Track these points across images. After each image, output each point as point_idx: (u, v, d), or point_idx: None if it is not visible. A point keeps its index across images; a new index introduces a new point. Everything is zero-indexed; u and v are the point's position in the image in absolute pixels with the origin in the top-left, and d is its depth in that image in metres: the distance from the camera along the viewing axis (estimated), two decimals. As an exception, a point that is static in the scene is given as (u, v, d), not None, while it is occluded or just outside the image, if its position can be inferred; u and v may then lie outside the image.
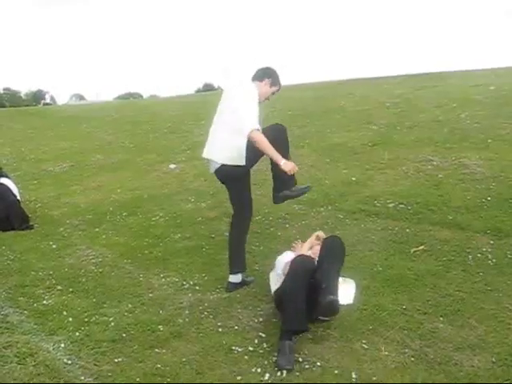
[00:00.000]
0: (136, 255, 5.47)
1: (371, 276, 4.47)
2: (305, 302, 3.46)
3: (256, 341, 3.58)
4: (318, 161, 8.28)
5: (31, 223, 6.85)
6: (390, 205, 6.04)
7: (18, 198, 7.02)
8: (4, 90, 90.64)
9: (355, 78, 17.73)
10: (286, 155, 4.21)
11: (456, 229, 5.26)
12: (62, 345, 3.62)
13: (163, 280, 4.77)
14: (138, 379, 3.16)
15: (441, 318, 3.72)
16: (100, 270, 5.11)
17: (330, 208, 6.27)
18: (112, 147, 12.07)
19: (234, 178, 4.42)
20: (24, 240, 6.21)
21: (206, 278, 4.77)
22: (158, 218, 6.69)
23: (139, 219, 6.74)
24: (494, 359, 3.20)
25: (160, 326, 3.84)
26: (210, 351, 3.47)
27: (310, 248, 4.36)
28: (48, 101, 53.51)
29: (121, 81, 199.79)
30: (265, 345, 3.52)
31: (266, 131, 4.15)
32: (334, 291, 3.53)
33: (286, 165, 4.05)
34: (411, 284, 4.27)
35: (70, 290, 4.66)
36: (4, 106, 48.13)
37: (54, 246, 5.91)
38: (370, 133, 9.35)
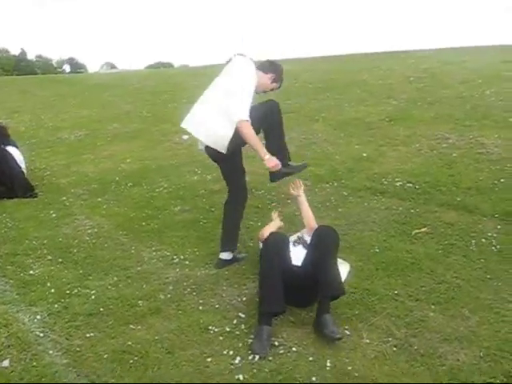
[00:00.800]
0: (132, 227, 5.36)
1: (367, 257, 4.28)
2: (281, 282, 3.32)
3: (235, 321, 3.44)
4: (332, 135, 8.02)
5: (36, 191, 6.80)
6: (398, 183, 5.80)
7: (23, 167, 6.96)
8: (36, 57, 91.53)
9: (383, 51, 17.24)
10: (278, 133, 4.15)
11: (463, 211, 5.01)
12: (38, 317, 3.55)
13: (154, 253, 4.66)
14: (105, 356, 3.06)
15: (432, 306, 3.53)
16: (93, 241, 5.02)
17: (335, 184, 6.06)
18: (129, 116, 11.97)
19: (220, 160, 4.27)
20: (25, 208, 6.16)
21: (197, 252, 4.63)
22: (161, 189, 6.57)
23: (143, 190, 6.63)
24: (481, 353, 3.00)
25: (140, 302, 3.73)
26: (186, 330, 3.35)
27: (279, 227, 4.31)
28: (68, 70, 53.02)
29: (153, 50, 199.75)
30: (243, 326, 3.38)
31: (258, 108, 3.96)
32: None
33: (269, 161, 3.87)
34: (407, 268, 4.07)
35: (60, 260, 4.58)
36: (35, 73, 48.57)
37: (53, 215, 5.85)
38: (389, 108, 9.03)
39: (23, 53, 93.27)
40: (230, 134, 3.91)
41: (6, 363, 3.00)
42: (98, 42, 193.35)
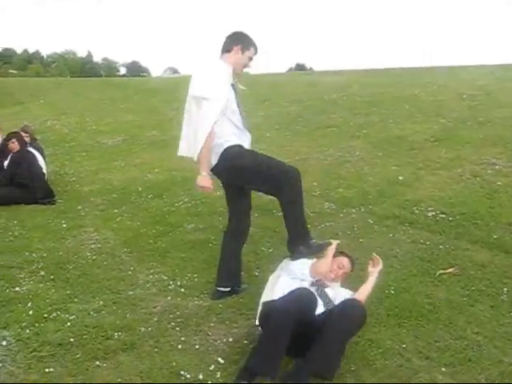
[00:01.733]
0: (139, 244, 5.08)
1: (379, 300, 3.79)
2: (285, 348, 2.81)
3: (211, 367, 3.06)
4: (370, 154, 7.55)
5: (55, 198, 6.66)
6: (430, 213, 5.28)
7: (44, 171, 6.83)
8: (102, 59, 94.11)
9: (439, 65, 16.50)
10: (299, 207, 3.83)
11: (499, 251, 4.46)
12: (4, 342, 3.28)
13: (151, 277, 4.35)
14: (54, 398, 2.72)
15: (443, 369, 3.02)
16: (93, 258, 4.76)
17: (362, 210, 5.59)
18: (171, 123, 11.74)
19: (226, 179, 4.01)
20: (38, 216, 6.00)
21: (196, 279, 4.29)
22: (180, 203, 6.27)
23: (161, 203, 6.36)
24: None
25: (117, 334, 3.40)
26: (155, 373, 3.00)
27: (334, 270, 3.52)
28: None
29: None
30: (218, 374, 2.99)
31: (270, 165, 3.76)
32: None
33: (201, 180, 3.65)
34: (423, 316, 3.57)
35: (51, 277, 4.33)
36: (100, 76, 49.72)
37: (63, 225, 5.66)
38: (435, 126, 8.48)
39: (89, 55, 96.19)
40: (218, 141, 3.62)
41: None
42: (164, 47, 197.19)
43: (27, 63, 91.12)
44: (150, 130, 11.17)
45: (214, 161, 3.70)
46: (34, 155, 6.78)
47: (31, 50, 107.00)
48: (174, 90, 17.88)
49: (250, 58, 3.83)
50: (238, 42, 3.74)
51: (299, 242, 3.70)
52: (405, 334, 3.36)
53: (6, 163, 6.73)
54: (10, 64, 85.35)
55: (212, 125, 3.51)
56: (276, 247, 4.86)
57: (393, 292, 3.91)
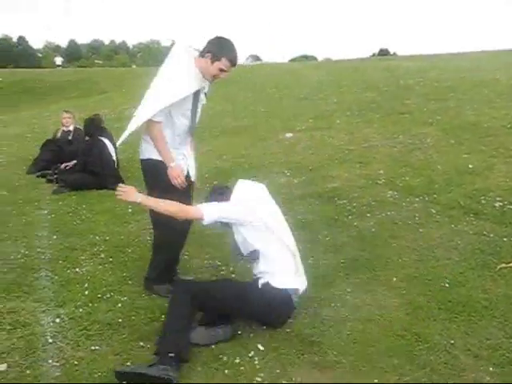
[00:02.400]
0: (196, 230, 5.11)
1: (432, 293, 3.67)
2: None
3: (251, 353, 3.08)
4: (441, 141, 7.30)
5: (124, 184, 6.87)
6: (498, 204, 5.04)
7: (114, 158, 7.08)
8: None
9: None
10: None
11: None
12: (58, 320, 3.44)
13: (205, 262, 4.48)
14: (97, 375, 2.85)
15: (491, 368, 2.86)
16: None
17: (426, 199, 5.42)
18: (243, 111, 11.91)
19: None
20: (106, 200, 6.22)
21: (249, 265, 4.28)
22: (244, 190, 6.30)
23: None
24: None
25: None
26: (193, 355, 3.03)
27: None
28: (58, 63, 52.75)
29: (298, 42, 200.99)
30: (256, 360, 3.01)
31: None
32: None
33: (172, 170, 3.54)
34: (476, 312, 3.41)
35: (110, 259, 4.49)
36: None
37: (129, 210, 5.84)
38: (514, 112, 8.03)
39: (173, 44, 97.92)
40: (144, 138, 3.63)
41: (3, 367, 2.90)
42: (246, 34, 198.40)
43: (114, 53, 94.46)
44: (223, 118, 11.29)
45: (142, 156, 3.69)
46: (104, 143, 7.04)
47: (118, 41, 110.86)
48: (249, 78, 18.03)
49: (221, 70, 3.52)
50: (211, 49, 3.50)
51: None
52: (455, 330, 3.23)
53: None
54: (98, 55, 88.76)
55: (148, 117, 3.43)
56: (333, 236, 4.81)
57: (447, 285, 3.77)
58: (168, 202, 3.23)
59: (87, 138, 7.17)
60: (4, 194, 6.63)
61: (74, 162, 7.27)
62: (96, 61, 67.95)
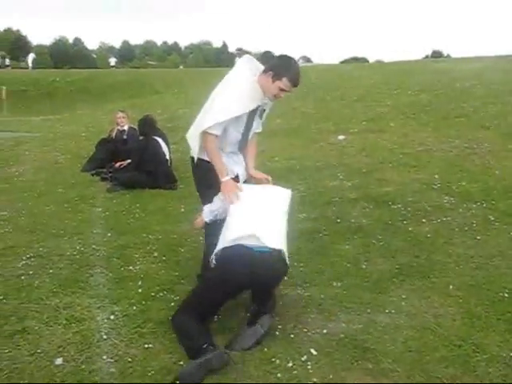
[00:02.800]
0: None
1: (491, 303, 3.55)
2: None
3: (304, 357, 3.04)
4: (499, 146, 7.12)
5: (177, 183, 6.96)
6: (560, 211, 4.84)
7: (168, 157, 7.16)
8: (237, 50, 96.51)
9: None
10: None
11: None
12: (112, 316, 3.48)
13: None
14: (150, 373, 2.86)
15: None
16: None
17: (484, 205, 5.27)
18: (295, 112, 11.84)
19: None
20: (159, 200, 6.30)
21: (301, 268, 4.28)
22: (295, 192, 6.21)
23: (278, 191, 6.38)
24: None
25: (216, 316, 3.47)
26: (246, 358, 3.02)
27: None
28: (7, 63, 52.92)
29: (349, 44, 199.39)
30: (309, 365, 2.97)
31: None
32: None
33: (226, 185, 3.43)
34: (538, 323, 3.28)
35: (164, 258, 4.52)
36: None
37: (182, 210, 5.89)
38: None
39: (225, 45, 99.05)
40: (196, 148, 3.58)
41: (58, 361, 2.96)
42: (297, 35, 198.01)
43: (166, 54, 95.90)
44: (274, 120, 11.22)
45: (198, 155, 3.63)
46: (158, 142, 7.13)
47: (170, 42, 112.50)
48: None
49: (282, 89, 3.48)
50: (274, 67, 3.45)
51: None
52: (516, 342, 3.12)
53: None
54: (151, 56, 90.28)
55: (205, 129, 3.40)
56: (387, 240, 4.72)
57: (506, 295, 3.64)
58: None
59: (141, 138, 7.29)
60: (60, 191, 6.79)
61: (129, 160, 7.39)
62: (149, 62, 69.20)
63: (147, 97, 20.73)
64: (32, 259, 4.45)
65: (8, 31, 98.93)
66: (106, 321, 3.42)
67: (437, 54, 61.40)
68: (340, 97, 12.93)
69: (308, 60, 78.67)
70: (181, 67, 57.47)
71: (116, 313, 3.52)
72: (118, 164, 7.57)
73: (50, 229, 5.25)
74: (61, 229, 5.25)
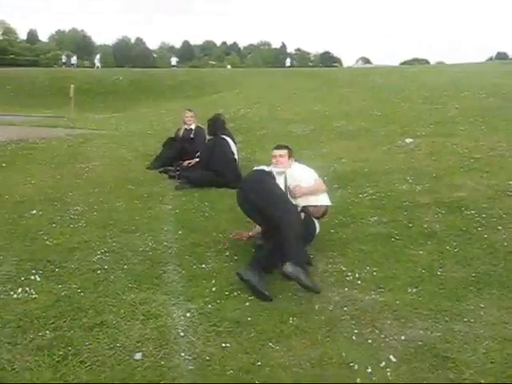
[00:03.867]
0: (320, 233, 5.06)
1: None
2: None
3: (382, 364, 2.96)
4: None
5: (244, 184, 6.96)
6: None
7: (236, 157, 7.18)
8: (295, 50, 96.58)
9: None
10: None
11: None
12: (188, 314, 3.50)
13: (329, 266, 4.35)
14: (229, 372, 2.85)
15: None
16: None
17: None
18: (359, 114, 11.72)
19: None
20: (228, 199, 6.27)
21: (375, 273, 4.19)
22: (365, 195, 6.18)
23: (346, 194, 6.32)
24: None
25: (291, 319, 3.46)
26: (324, 362, 2.99)
27: None
28: (64, 60, 52.75)
29: (408, 45, 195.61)
30: (388, 372, 2.89)
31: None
32: None
33: None
34: None
35: (235, 257, 4.52)
36: (293, 66, 50.92)
37: (250, 210, 5.85)
38: None
39: (283, 46, 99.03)
40: None
41: (138, 356, 2.99)
42: (357, 37, 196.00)
43: (225, 55, 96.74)
44: (338, 121, 11.17)
45: None
46: (226, 142, 7.16)
47: (229, 42, 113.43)
48: (362, 80, 17.76)
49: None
50: None
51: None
52: None
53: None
54: (210, 56, 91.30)
55: None
56: (462, 247, 4.58)
57: None
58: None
59: (210, 137, 7.33)
60: (130, 187, 6.91)
61: (197, 159, 7.45)
62: (210, 61, 70.10)
63: (208, 96, 20.91)
64: (106, 254, 4.52)
65: (73, 31, 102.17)
66: (182, 318, 3.43)
67: (502, 56, 59.53)
68: (406, 99, 12.72)
69: (367, 61, 77.70)
70: (228, 67, 57.49)
71: (191, 310, 3.54)
72: (186, 162, 7.64)
73: (121, 224, 5.33)
74: (132, 225, 5.32)
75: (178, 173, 7.40)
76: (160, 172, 7.83)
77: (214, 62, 72.07)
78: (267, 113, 13.40)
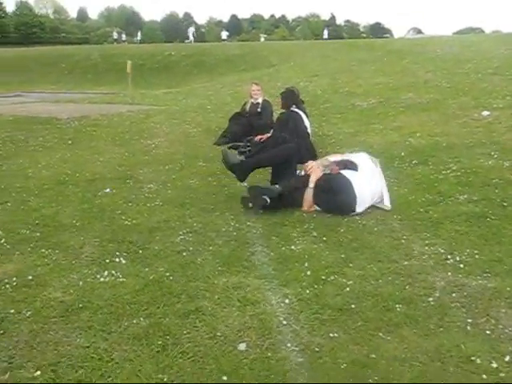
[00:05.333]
0: (409, 212, 4.82)
1: None
2: None
3: (507, 358, 2.68)
4: None
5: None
6: None
7: (309, 131, 6.92)
8: (345, 22, 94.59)
9: None
10: None
11: None
12: (287, 300, 3.28)
13: (426, 248, 4.06)
14: (343, 366, 2.64)
15: None
16: (363, 222, 4.63)
17: None
18: (426, 86, 11.23)
19: None
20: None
21: (477, 255, 3.88)
22: (448, 171, 5.84)
23: (428, 170, 5.99)
24: None
25: (398, 306, 3.20)
26: (442, 354, 2.73)
27: None
28: (115, 37, 52.01)
29: (463, 15, 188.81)
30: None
31: None
32: None
33: None
34: None
35: (324, 238, 4.28)
36: (342, 38, 49.77)
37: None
38: None
39: (332, 18, 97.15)
40: None
41: (242, 346, 2.80)
42: (408, 7, 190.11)
43: (274, 28, 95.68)
44: (405, 93, 10.72)
45: None
46: (299, 115, 6.89)
47: (277, 15, 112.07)
48: (422, 51, 17.09)
49: None
50: None
51: None
52: None
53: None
54: (258, 29, 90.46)
55: None
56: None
57: None
58: None
59: (283, 111, 7.08)
60: (201, 164, 6.76)
61: (269, 134, 7.23)
62: (261, 35, 69.38)
63: (263, 70, 20.60)
64: (189, 235, 4.37)
65: (122, 8, 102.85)
66: (281, 304, 3.23)
67: None
68: (474, 69, 12.12)
69: (419, 31, 75.18)
70: (262, 39, 55.66)
71: (289, 296, 3.33)
72: (258, 137, 7.41)
73: (199, 203, 5.18)
74: (210, 203, 5.16)
75: (248, 149, 7.18)
76: (229, 148, 7.63)
77: (266, 36, 71.24)
78: (328, 86, 13.03)
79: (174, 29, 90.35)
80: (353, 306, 3.20)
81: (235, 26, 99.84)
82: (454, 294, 3.34)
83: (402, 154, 6.65)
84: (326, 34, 50.29)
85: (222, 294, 3.36)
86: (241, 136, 7.75)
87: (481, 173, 5.67)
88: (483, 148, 6.51)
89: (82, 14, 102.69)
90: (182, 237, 4.33)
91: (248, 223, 4.63)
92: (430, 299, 3.28)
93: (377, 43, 24.29)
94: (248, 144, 7.28)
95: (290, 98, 6.98)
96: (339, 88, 12.46)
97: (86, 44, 48.47)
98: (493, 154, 6.23)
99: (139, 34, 55.31)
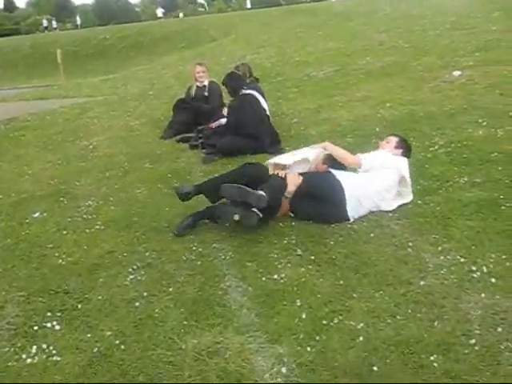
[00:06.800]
0: (405, 207, 3.97)
1: None
2: None
3: None
4: None
5: (282, 145, 5.79)
6: None
7: (268, 112, 5.95)
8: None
9: None
10: None
11: None
12: (284, 369, 2.40)
13: (441, 258, 3.22)
14: None
15: None
16: (354, 227, 3.77)
17: None
18: (383, 48, 10.43)
19: None
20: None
21: (507, 262, 3.07)
22: (436, 147, 5.03)
23: (414, 147, 5.14)
24: None
25: (433, 358, 2.37)
26: None
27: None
28: (45, 24, 51.06)
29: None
30: None
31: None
32: None
33: None
34: None
35: (312, 257, 3.39)
36: (279, 5, 48.42)
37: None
38: None
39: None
40: None
41: None
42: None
43: (210, 0, 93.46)
44: (361, 58, 9.86)
45: None
46: (254, 97, 5.87)
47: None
48: (368, 10, 16.33)
49: None
50: None
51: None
52: None
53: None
54: (194, 3, 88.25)
55: None
56: None
57: None
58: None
59: (233, 98, 6.06)
60: (147, 166, 5.75)
61: (222, 120, 6.24)
62: (200, 9, 67.10)
63: (204, 45, 19.49)
64: (141, 271, 3.42)
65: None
66: (278, 377, 2.34)
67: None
68: (430, 26, 11.42)
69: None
70: (181, 16, 51.98)
71: (285, 359, 2.45)
72: (213, 124, 6.40)
73: (150, 221, 4.21)
74: (163, 220, 4.19)
75: (200, 141, 6.18)
76: (178, 141, 6.62)
77: (202, 9, 69.03)
78: (277, 56, 12.10)
79: (107, 11, 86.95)
80: (375, 367, 2.34)
81: (170, 3, 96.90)
82: (499, 329, 2.52)
83: (377, 129, 5.81)
84: (248, 3, 47.57)
85: (194, 367, 2.46)
86: (190, 125, 6.74)
87: (474, 146, 4.87)
88: (467, 115, 5.70)
89: (10, 4, 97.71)
90: (132, 276, 3.37)
91: (214, 245, 3.69)
92: (473, 341, 2.45)
93: (319, 7, 23.47)
94: (200, 135, 6.24)
95: (235, 81, 5.88)
96: (289, 58, 11.55)
97: (17, 35, 45.74)
98: (480, 121, 5.43)
99: (78, 18, 52.59)
